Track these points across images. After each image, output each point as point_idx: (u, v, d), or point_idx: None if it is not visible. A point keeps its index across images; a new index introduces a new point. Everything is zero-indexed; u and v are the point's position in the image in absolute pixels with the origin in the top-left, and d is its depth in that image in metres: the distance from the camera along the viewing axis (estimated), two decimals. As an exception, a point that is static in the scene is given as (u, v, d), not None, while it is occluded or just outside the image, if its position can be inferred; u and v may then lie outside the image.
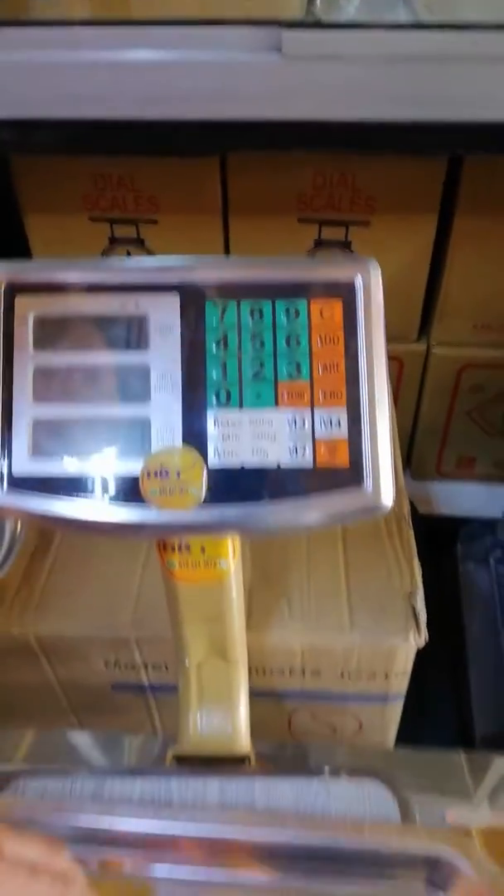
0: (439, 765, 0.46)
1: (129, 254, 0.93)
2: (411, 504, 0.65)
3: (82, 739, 0.51)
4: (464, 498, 1.12)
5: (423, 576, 0.57)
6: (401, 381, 1.02)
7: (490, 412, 1.02)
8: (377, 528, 0.59)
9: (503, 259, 0.87)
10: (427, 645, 0.55)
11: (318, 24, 0.63)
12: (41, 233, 0.93)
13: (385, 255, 0.92)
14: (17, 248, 1.02)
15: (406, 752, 0.52)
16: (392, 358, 0.99)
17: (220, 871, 0.38)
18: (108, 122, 0.71)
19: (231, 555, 0.42)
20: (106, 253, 0.94)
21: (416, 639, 0.52)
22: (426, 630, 0.53)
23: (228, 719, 0.48)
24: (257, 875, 0.38)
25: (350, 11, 0.71)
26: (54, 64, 0.68)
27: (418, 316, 0.96)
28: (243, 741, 0.47)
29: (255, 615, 0.55)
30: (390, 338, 0.36)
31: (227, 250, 0.91)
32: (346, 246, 0.90)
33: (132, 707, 0.63)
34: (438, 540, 0.98)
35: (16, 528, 0.61)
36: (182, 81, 0.66)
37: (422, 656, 0.56)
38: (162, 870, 0.39)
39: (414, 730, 0.67)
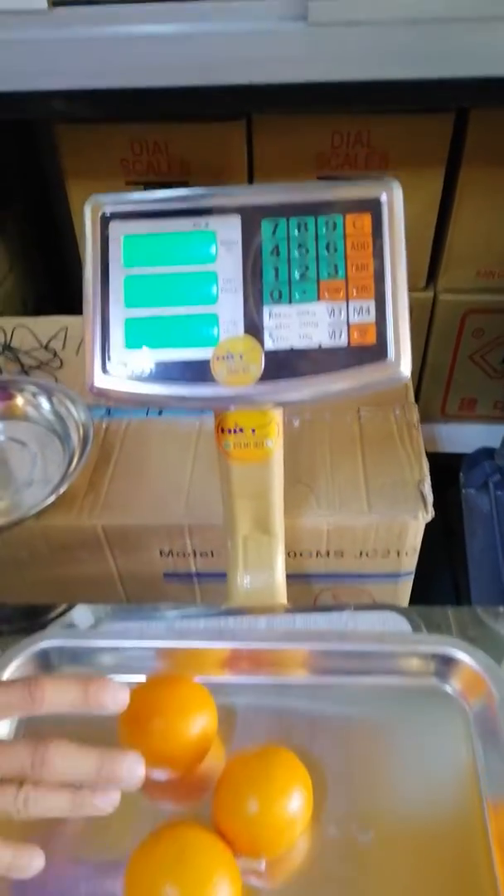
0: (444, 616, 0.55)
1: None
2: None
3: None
4: (467, 437, 1.22)
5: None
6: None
7: (491, 355, 1.12)
8: (390, 432, 0.69)
9: (504, 208, 0.95)
10: (434, 561, 0.65)
11: (340, -6, 0.71)
12: (81, 197, 1.02)
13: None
14: (57, 216, 1.11)
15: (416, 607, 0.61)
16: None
17: (268, 676, 0.48)
18: (146, 91, 0.80)
19: (276, 435, 0.52)
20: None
21: (424, 516, 0.62)
22: (433, 509, 0.63)
23: (269, 580, 0.58)
24: (297, 678, 0.49)
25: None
26: (99, 38, 0.77)
27: (426, 265, 1.05)
28: (282, 595, 0.58)
29: (288, 506, 0.64)
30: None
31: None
32: (360, 201, 0.98)
33: (180, 595, 0.73)
34: (444, 474, 1.08)
35: (81, 445, 0.71)
36: (214, 51, 0.75)
37: (430, 573, 0.66)
38: (224, 678, 0.49)
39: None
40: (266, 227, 0.45)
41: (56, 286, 1.29)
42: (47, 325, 0.87)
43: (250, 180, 0.99)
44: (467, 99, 0.80)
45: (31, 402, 0.75)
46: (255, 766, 0.41)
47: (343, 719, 0.46)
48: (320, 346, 0.44)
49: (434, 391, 1.20)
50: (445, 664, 0.47)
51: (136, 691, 0.45)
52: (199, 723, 0.43)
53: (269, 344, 0.45)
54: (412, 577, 0.69)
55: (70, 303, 1.25)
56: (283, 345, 0.45)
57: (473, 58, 0.73)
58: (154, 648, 0.49)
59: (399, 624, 0.51)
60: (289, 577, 0.62)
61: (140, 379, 0.45)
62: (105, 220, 0.46)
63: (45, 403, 0.75)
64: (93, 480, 0.69)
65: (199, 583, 0.72)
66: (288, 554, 0.66)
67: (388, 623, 0.51)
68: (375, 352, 0.44)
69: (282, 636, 0.49)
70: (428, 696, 0.47)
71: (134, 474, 0.69)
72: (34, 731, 0.45)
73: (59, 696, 0.33)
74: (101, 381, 0.45)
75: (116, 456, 0.71)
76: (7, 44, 0.78)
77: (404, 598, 0.72)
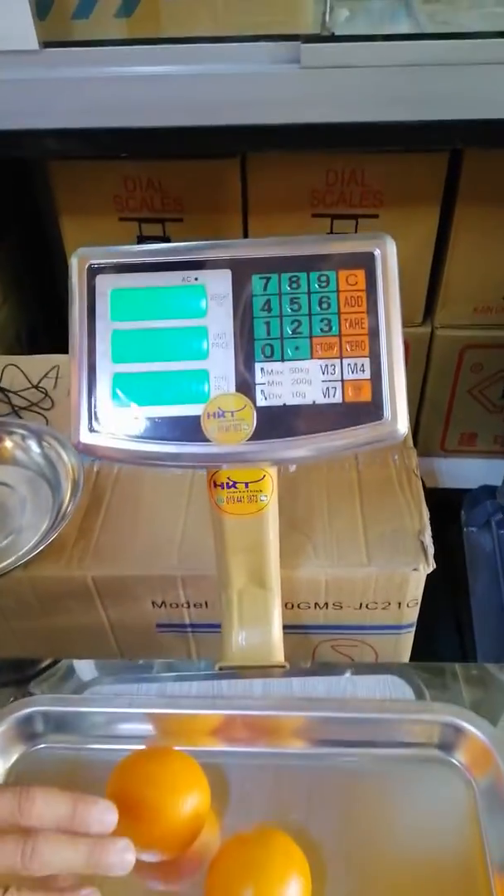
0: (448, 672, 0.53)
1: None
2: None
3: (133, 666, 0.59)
4: (467, 472, 1.20)
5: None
6: (407, 364, 1.10)
7: (490, 390, 1.10)
8: (389, 478, 0.67)
9: (501, 245, 0.95)
10: (436, 601, 0.63)
11: (333, 38, 0.71)
12: (75, 232, 1.02)
13: (391, 245, 1.01)
14: (51, 255, 1.10)
15: (419, 664, 0.59)
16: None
17: (264, 746, 0.46)
18: (140, 130, 0.79)
19: (270, 490, 0.50)
20: (137, 246, 1.02)
21: (425, 567, 0.60)
22: (433, 560, 0.61)
23: (265, 636, 0.56)
24: (295, 748, 0.46)
25: (360, 24, 0.79)
26: (93, 79, 0.77)
27: (423, 301, 1.04)
28: (278, 653, 0.55)
29: (285, 555, 0.63)
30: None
31: (246, 243, 0.99)
32: (355, 237, 0.98)
33: (174, 646, 0.71)
34: (444, 511, 1.06)
35: (71, 491, 0.69)
36: (209, 92, 0.75)
37: (431, 613, 0.64)
38: (217, 748, 0.47)
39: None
40: (257, 281, 0.44)
41: (49, 317, 1.29)
42: (38, 364, 0.86)
43: (245, 218, 0.98)
44: (461, 140, 0.79)
45: (20, 445, 0.74)
46: (250, 851, 0.39)
47: (342, 793, 0.44)
48: (314, 404, 0.43)
49: (433, 426, 1.19)
50: (450, 735, 0.45)
51: (124, 766, 0.43)
52: (191, 802, 0.41)
53: (262, 401, 0.43)
54: (414, 627, 0.67)
55: (63, 335, 1.24)
56: (276, 402, 0.43)
57: (467, 100, 0.72)
58: (144, 714, 0.47)
59: (401, 689, 0.49)
60: (286, 627, 0.60)
61: (128, 436, 0.44)
62: (92, 274, 0.45)
63: (34, 447, 0.73)
64: (83, 527, 0.67)
65: (194, 633, 0.69)
66: (285, 605, 0.64)
67: (389, 688, 0.49)
68: (371, 410, 0.43)
69: (279, 703, 0.47)
70: (432, 768, 0.45)
71: (125, 521, 0.67)
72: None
73: (48, 810, 0.33)
74: (87, 437, 0.44)
75: (107, 501, 0.69)
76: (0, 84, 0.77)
77: (406, 648, 0.70)
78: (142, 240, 1.03)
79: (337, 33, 0.74)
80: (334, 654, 0.70)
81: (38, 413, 0.80)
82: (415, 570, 0.60)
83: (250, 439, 0.43)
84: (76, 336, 0.45)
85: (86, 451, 0.44)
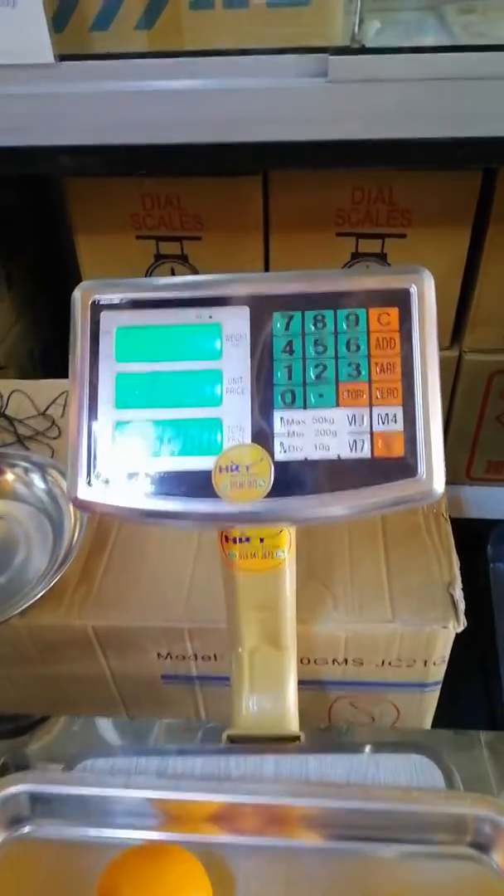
0: (477, 744, 0.48)
1: (173, 270, 0.98)
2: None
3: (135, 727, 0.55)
4: (493, 501, 1.14)
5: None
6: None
7: (520, 418, 1.05)
8: (416, 523, 0.62)
9: (535, 270, 0.90)
10: (459, 644, 0.58)
11: (364, 50, 0.66)
12: (90, 251, 0.98)
13: (419, 265, 0.96)
14: (67, 269, 1.07)
15: (445, 732, 0.54)
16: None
17: (275, 838, 0.41)
18: (159, 147, 0.75)
19: (287, 545, 0.46)
20: (151, 269, 0.98)
21: (455, 625, 0.55)
22: (464, 617, 0.56)
23: (279, 702, 0.51)
24: (309, 841, 0.41)
25: (391, 36, 0.74)
26: (110, 94, 0.73)
27: (451, 324, 0.99)
28: (293, 722, 0.50)
29: (301, 607, 0.58)
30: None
31: (266, 265, 0.95)
32: (382, 258, 0.93)
33: (180, 698, 0.66)
34: (469, 542, 1.01)
35: (74, 530, 0.65)
36: (231, 108, 0.70)
37: (455, 653, 0.59)
38: (222, 838, 0.42)
39: (446, 718, 0.70)
40: (278, 320, 0.39)
41: (64, 335, 1.25)
42: (46, 389, 0.82)
43: (266, 236, 0.94)
44: (495, 158, 0.74)
45: (23, 478, 0.70)
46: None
47: (363, 894, 0.39)
48: (339, 458, 0.38)
49: (459, 453, 1.14)
50: (486, 831, 0.39)
51: (117, 864, 0.38)
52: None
53: (280, 454, 0.39)
54: (440, 685, 0.62)
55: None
56: (297, 455, 0.38)
57: (501, 117, 0.68)
58: (143, 799, 0.42)
59: (429, 772, 0.44)
60: (302, 682, 0.55)
61: (130, 491, 0.39)
62: (96, 310, 0.41)
63: (37, 481, 0.69)
64: (86, 570, 0.63)
65: (201, 685, 0.65)
66: (301, 660, 0.59)
67: (416, 770, 0.44)
68: (403, 466, 0.38)
69: (292, 789, 0.42)
70: (464, 868, 0.40)
71: (131, 565, 0.63)
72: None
73: None
74: (85, 492, 0.39)
75: (112, 542, 0.65)
76: (13, 98, 0.74)
77: (431, 705, 0.64)
78: (159, 258, 0.99)
79: (367, 45, 0.69)
80: (353, 711, 0.65)
81: (44, 443, 0.76)
82: (444, 627, 0.55)
83: (266, 497, 0.38)
84: (77, 378, 0.40)
85: (84, 508, 0.40)
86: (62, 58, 0.72)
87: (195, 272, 0.99)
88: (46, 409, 0.79)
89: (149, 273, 1.00)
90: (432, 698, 0.63)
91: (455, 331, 1.00)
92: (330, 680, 0.62)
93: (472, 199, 0.87)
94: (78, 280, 1.07)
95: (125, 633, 0.59)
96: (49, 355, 1.24)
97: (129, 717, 0.69)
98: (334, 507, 0.38)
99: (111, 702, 0.67)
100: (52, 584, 0.59)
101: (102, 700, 0.67)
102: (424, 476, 0.37)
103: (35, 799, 0.43)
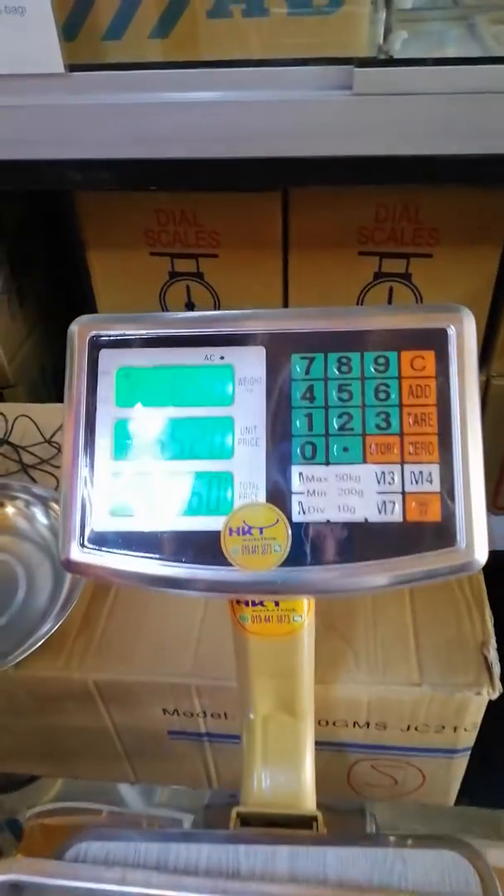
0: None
1: (188, 288, 0.94)
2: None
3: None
4: (522, 534, 1.09)
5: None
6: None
7: (551, 447, 0.99)
8: (448, 576, 0.57)
9: None
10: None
11: (390, 62, 0.62)
12: (102, 268, 0.95)
13: (446, 286, 0.91)
14: (77, 285, 1.04)
15: (474, 812, 0.49)
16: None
17: None
18: (173, 162, 0.72)
19: (306, 609, 0.41)
20: (166, 287, 0.94)
21: (490, 692, 0.50)
22: (500, 682, 0.50)
23: (294, 777, 0.46)
24: None
25: (420, 47, 0.70)
26: (123, 105, 0.69)
27: (479, 348, 0.94)
28: (309, 801, 0.46)
29: (321, 665, 0.53)
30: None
31: (285, 283, 0.91)
32: (406, 278, 0.89)
33: (188, 754, 0.62)
34: (497, 577, 0.95)
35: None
36: (251, 121, 0.66)
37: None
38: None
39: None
40: (297, 363, 0.35)
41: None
42: (52, 414, 0.78)
43: (285, 255, 0.90)
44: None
45: (24, 512, 0.65)
46: None
47: None
48: (366, 522, 0.34)
49: (486, 481, 1.08)
50: None
51: None
52: None
53: (299, 515, 0.34)
54: (470, 750, 0.56)
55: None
56: (317, 517, 0.34)
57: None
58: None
59: (463, 872, 0.38)
60: (320, 744, 0.50)
61: (128, 555, 0.35)
62: (95, 348, 0.36)
63: (39, 515, 0.65)
64: (87, 616, 0.58)
65: (211, 742, 0.60)
66: (318, 722, 0.54)
67: (448, 869, 0.38)
68: (440, 532, 0.33)
69: (309, 892, 0.37)
70: None
71: (135, 612, 0.58)
72: None
73: None
74: (78, 554, 0.35)
75: (116, 588, 0.60)
76: (21, 110, 0.71)
77: (459, 771, 0.59)
78: (174, 276, 0.95)
79: (394, 57, 0.65)
80: (375, 774, 0.60)
81: (49, 472, 0.72)
82: (477, 694, 0.50)
83: (282, 565, 0.34)
84: (72, 424, 0.36)
85: (76, 572, 0.35)
86: (73, 68, 0.68)
87: (211, 290, 0.95)
88: (52, 435, 0.76)
89: (163, 291, 0.96)
90: (461, 764, 0.58)
91: (483, 355, 0.95)
92: (350, 742, 0.57)
93: (501, 218, 0.82)
94: (91, 297, 1.04)
95: (128, 687, 0.55)
96: (61, 372, 1.20)
97: (134, 775, 0.64)
98: (360, 578, 0.33)
99: (114, 756, 0.63)
100: (51, 633, 0.55)
101: (105, 753, 0.63)
102: (465, 545, 0.33)
103: (17, 890, 0.38)
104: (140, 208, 0.90)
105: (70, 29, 0.71)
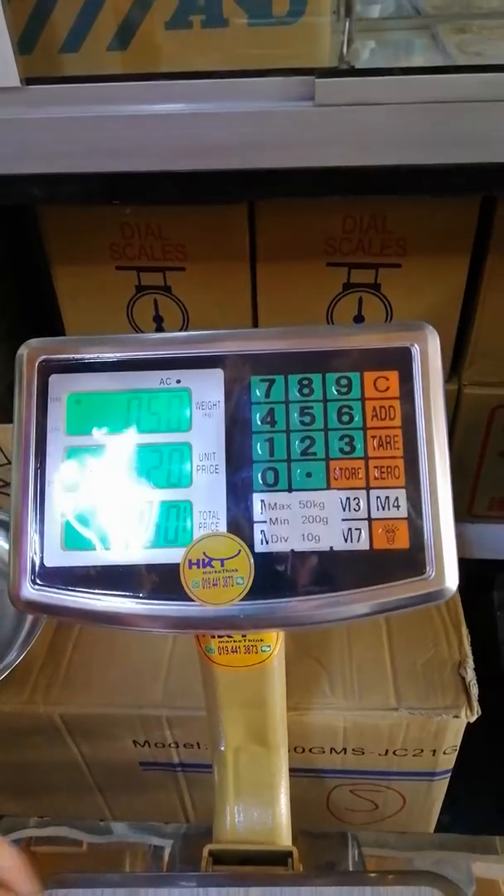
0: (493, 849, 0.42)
1: (156, 302, 0.92)
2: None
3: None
4: (497, 539, 1.08)
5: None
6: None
7: (525, 455, 0.99)
8: (423, 595, 0.56)
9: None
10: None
11: (352, 72, 0.61)
12: (68, 283, 0.92)
13: (416, 296, 0.90)
14: (44, 299, 1.02)
15: (454, 839, 0.48)
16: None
17: None
18: (138, 175, 0.70)
19: (275, 639, 0.39)
20: (133, 301, 0.93)
21: (468, 714, 0.49)
22: (478, 704, 0.49)
23: (268, 812, 0.44)
24: None
25: (382, 57, 0.70)
26: (82, 119, 0.68)
27: (449, 357, 0.93)
28: (284, 835, 0.44)
29: (295, 689, 0.51)
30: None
31: (254, 295, 0.89)
32: (376, 288, 0.88)
33: (161, 785, 0.60)
34: (473, 583, 0.94)
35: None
36: (212, 133, 0.65)
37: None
38: None
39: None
40: (257, 385, 0.33)
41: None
42: (18, 436, 0.76)
43: (252, 267, 0.88)
44: (495, 186, 0.69)
45: (-14, 539, 0.63)
46: None
47: None
48: (331, 551, 0.32)
49: (460, 489, 1.08)
50: None
51: None
52: None
53: (261, 545, 0.32)
54: (450, 772, 0.55)
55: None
56: (281, 547, 0.32)
57: (502, 141, 0.63)
58: None
59: (443, 912, 0.37)
60: (296, 771, 0.48)
61: (82, 591, 0.33)
62: (44, 373, 0.35)
63: (1, 541, 0.63)
64: (53, 646, 0.56)
65: (184, 773, 0.58)
66: (294, 749, 0.53)
67: (427, 910, 0.37)
68: (408, 560, 0.32)
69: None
70: None
71: (102, 641, 0.56)
72: None
73: None
74: (29, 592, 0.33)
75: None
76: (-23, 124, 0.69)
77: (440, 793, 0.58)
78: (140, 290, 0.93)
79: (356, 66, 0.64)
80: (354, 799, 0.58)
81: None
82: (455, 717, 0.49)
83: (245, 598, 0.32)
84: (21, 453, 0.34)
85: (28, 610, 0.33)
86: (29, 81, 0.67)
87: (179, 304, 0.93)
88: (16, 458, 0.73)
89: (131, 305, 0.95)
90: (441, 787, 0.56)
91: (454, 363, 0.95)
92: (328, 769, 0.55)
93: (469, 228, 0.82)
94: (57, 311, 1.01)
95: (96, 720, 0.53)
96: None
97: (108, 810, 0.62)
98: (326, 610, 0.32)
99: (87, 789, 0.61)
100: (15, 664, 0.53)
101: (76, 788, 0.60)
102: (434, 574, 0.31)
103: None
104: (105, 222, 0.88)
105: (25, 42, 0.69)
